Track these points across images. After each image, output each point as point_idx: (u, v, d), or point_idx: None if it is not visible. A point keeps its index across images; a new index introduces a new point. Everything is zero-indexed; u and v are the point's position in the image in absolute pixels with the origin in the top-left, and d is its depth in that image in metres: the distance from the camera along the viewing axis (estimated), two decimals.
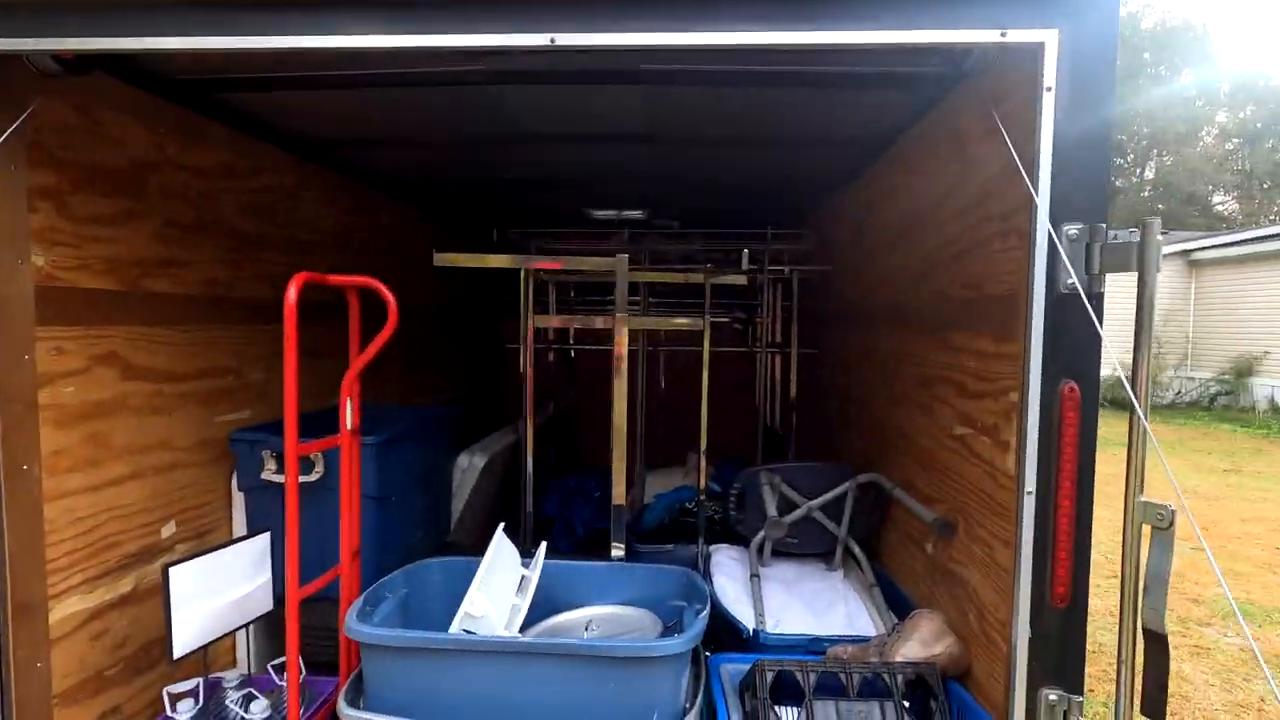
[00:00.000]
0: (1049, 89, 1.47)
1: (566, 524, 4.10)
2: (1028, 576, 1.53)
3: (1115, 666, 1.42)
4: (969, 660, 1.97)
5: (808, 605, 2.50)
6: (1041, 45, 1.46)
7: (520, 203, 4.30)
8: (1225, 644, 4.59)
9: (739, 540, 2.93)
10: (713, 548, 2.89)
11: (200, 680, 2.08)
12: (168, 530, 2.36)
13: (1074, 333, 1.49)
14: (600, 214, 4.40)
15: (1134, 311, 1.39)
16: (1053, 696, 1.53)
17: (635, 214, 4.37)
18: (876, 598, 2.52)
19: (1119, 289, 1.41)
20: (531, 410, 3.09)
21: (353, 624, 1.80)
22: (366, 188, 3.75)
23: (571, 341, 5.29)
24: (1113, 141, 1.50)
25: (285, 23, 1.55)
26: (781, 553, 2.79)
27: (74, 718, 1.98)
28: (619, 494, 2.63)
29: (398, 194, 4.08)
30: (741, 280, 3.30)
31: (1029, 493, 1.52)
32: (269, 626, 2.57)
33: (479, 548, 2.05)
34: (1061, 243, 1.47)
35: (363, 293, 2.18)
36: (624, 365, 2.53)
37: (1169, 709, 1.40)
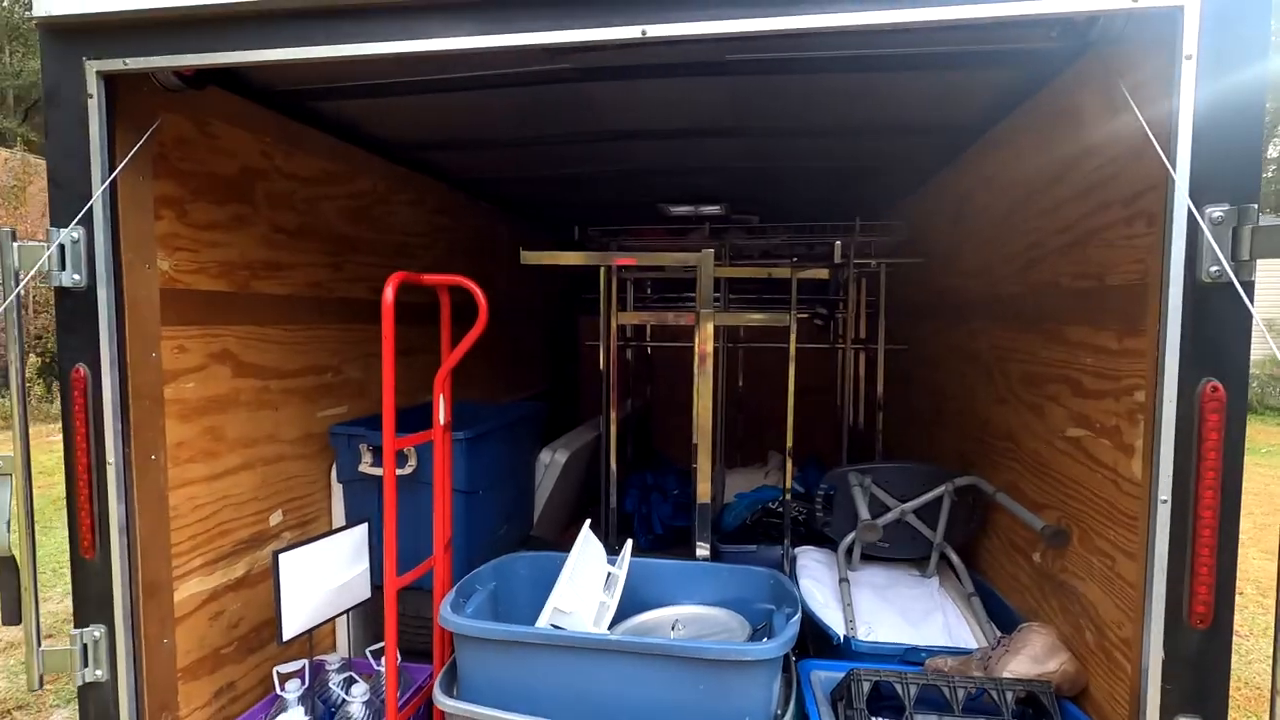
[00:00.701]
0: (1189, 57, 1.33)
1: (645, 521, 4.09)
2: (1161, 593, 1.40)
3: (1270, 695, 1.27)
4: (1085, 680, 1.83)
5: (901, 613, 2.39)
6: (1181, 9, 1.32)
7: (601, 200, 4.32)
8: None
9: (825, 542, 2.84)
10: (798, 550, 2.81)
11: (306, 662, 2.18)
12: (275, 519, 2.49)
13: (1217, 326, 1.35)
14: (678, 210, 4.36)
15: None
16: None
17: (713, 209, 4.31)
18: (976, 608, 2.38)
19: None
20: (615, 405, 3.10)
21: (447, 615, 1.84)
22: (452, 189, 3.86)
23: (649, 338, 5.29)
24: (1263, 112, 1.34)
25: (380, 29, 1.59)
26: (871, 557, 2.68)
27: (195, 691, 2.12)
28: (704, 491, 2.59)
29: (481, 194, 4.17)
30: (822, 275, 3.18)
31: (1163, 501, 1.39)
32: (366, 613, 2.69)
33: (561, 542, 2.06)
34: (1204, 225, 1.33)
35: (451, 291, 2.23)
36: (709, 363, 2.49)
37: None
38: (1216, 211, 1.33)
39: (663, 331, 5.19)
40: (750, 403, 4.86)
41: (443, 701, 1.80)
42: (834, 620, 2.29)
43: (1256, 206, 1.31)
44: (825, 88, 2.27)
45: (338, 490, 2.72)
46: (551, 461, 3.39)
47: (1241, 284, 1.32)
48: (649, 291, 5.27)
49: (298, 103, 2.44)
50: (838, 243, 3.24)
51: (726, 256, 4.15)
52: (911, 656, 2.06)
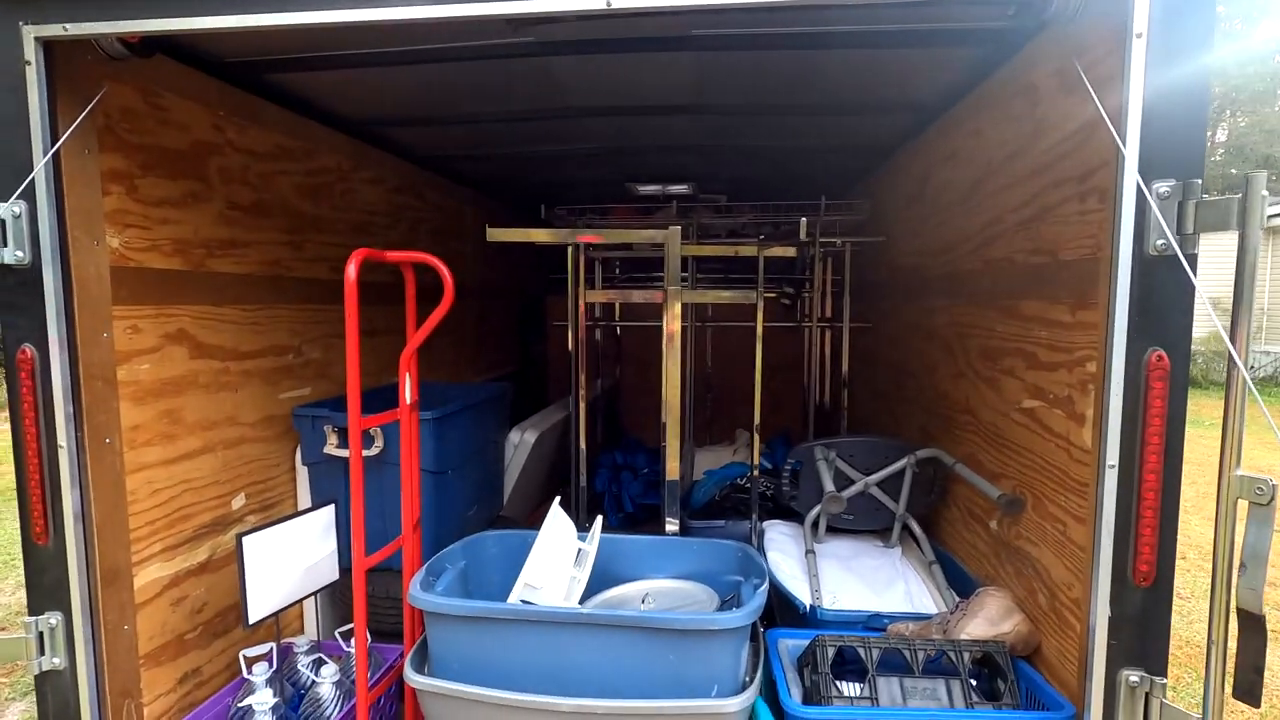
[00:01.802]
0: (1139, 35, 1.36)
1: (616, 500, 4.12)
2: (1108, 554, 1.46)
3: (1205, 647, 1.35)
4: (1038, 640, 1.91)
5: (865, 582, 2.46)
6: None
7: (566, 179, 4.28)
8: None
9: (792, 516, 2.89)
10: (766, 524, 2.87)
11: (273, 645, 2.16)
12: (238, 502, 2.45)
13: (1163, 297, 1.41)
14: (646, 189, 4.35)
15: (1233, 275, 1.30)
16: (1134, 677, 1.46)
17: (681, 188, 4.30)
18: (937, 575, 2.46)
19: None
20: (584, 385, 3.10)
21: (416, 593, 1.84)
22: (416, 167, 3.78)
23: (617, 318, 5.28)
24: (1210, 92, 1.39)
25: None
26: (837, 529, 2.75)
27: (159, 678, 2.09)
28: (673, 469, 2.61)
29: (446, 173, 4.10)
30: (789, 253, 3.21)
31: (1111, 466, 1.45)
32: (335, 596, 2.67)
33: (531, 522, 2.06)
34: (1152, 200, 1.38)
35: (417, 270, 2.20)
36: (676, 341, 2.50)
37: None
38: (1163, 187, 1.38)
39: (631, 312, 5.20)
40: (719, 381, 4.91)
41: (413, 679, 1.80)
42: (800, 590, 2.35)
43: (1200, 182, 1.36)
44: (788, 65, 2.28)
45: (303, 473, 2.68)
46: (521, 441, 3.38)
47: (1185, 256, 1.37)
48: (617, 271, 5.26)
49: (252, 75, 2.36)
50: (804, 220, 3.26)
51: (694, 235, 4.16)
52: (874, 623, 2.13)
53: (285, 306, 2.70)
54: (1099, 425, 1.48)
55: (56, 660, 1.75)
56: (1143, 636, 1.47)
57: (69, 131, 1.68)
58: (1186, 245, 1.37)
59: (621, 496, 4.13)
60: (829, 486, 2.51)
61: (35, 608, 1.75)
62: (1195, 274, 1.37)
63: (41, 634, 1.74)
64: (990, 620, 1.91)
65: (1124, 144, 1.38)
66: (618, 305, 5.22)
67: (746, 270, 4.97)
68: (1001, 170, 2.21)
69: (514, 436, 3.40)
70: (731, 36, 2.00)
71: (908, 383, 3.27)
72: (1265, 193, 1.26)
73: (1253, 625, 1.29)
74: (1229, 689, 1.34)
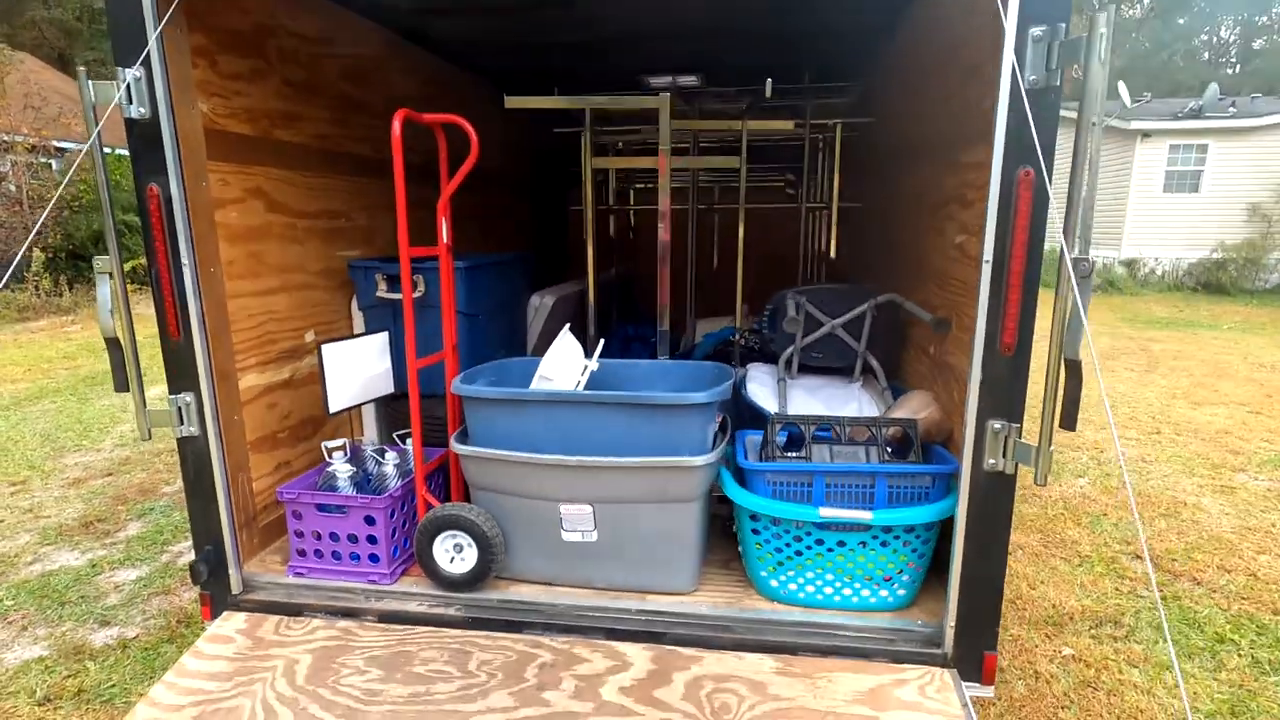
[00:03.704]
0: None
1: None
2: (982, 332, 1.90)
3: (1044, 391, 1.80)
4: (950, 427, 2.38)
5: (825, 403, 2.94)
6: None
7: (581, 69, 4.56)
8: (1254, 485, 4.82)
9: (774, 362, 3.36)
10: (749, 365, 3.34)
11: (346, 441, 2.74)
12: (309, 336, 2.99)
13: (1036, 123, 1.76)
14: (657, 80, 4.62)
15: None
16: (997, 425, 1.92)
17: (690, 79, 4.57)
18: (887, 399, 2.93)
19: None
20: (594, 244, 3.53)
21: (459, 386, 2.37)
22: (444, 61, 4.12)
23: (631, 203, 5.65)
24: None
25: None
26: (808, 367, 3.21)
27: (261, 462, 2.69)
28: (664, 303, 3.07)
29: (470, 66, 4.42)
30: (784, 126, 3.53)
31: (986, 262, 1.86)
32: (385, 412, 3.24)
33: None
34: (1028, 42, 1.72)
35: (448, 135, 2.62)
36: (666, 201, 2.90)
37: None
38: (1038, 30, 1.72)
39: (644, 200, 5.55)
40: (724, 264, 5.30)
41: (459, 448, 2.36)
42: (769, 405, 2.84)
43: (1066, 25, 1.70)
44: None
45: (357, 316, 3.21)
46: (540, 304, 3.87)
47: (1051, 90, 1.73)
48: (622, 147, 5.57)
49: None
50: (769, 80, 3.52)
51: (698, 115, 4.45)
52: (825, 424, 2.61)
53: (336, 177, 3.15)
54: (982, 228, 1.88)
55: (192, 429, 2.32)
56: (1006, 395, 1.92)
57: (171, 9, 2.09)
58: (1052, 79, 1.73)
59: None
60: (791, 313, 2.95)
61: (174, 389, 2.31)
62: (1059, 104, 1.73)
63: (180, 409, 2.31)
64: (910, 409, 2.38)
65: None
66: (631, 196, 5.58)
67: (753, 157, 5.26)
68: (945, 49, 2.51)
69: (535, 300, 3.88)
70: None
71: (883, 246, 3.64)
72: (1104, 30, 1.60)
73: (1073, 370, 1.73)
74: (1058, 422, 1.80)
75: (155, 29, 2.06)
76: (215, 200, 2.43)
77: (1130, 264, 16.82)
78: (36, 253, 12.08)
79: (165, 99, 2.12)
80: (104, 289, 2.15)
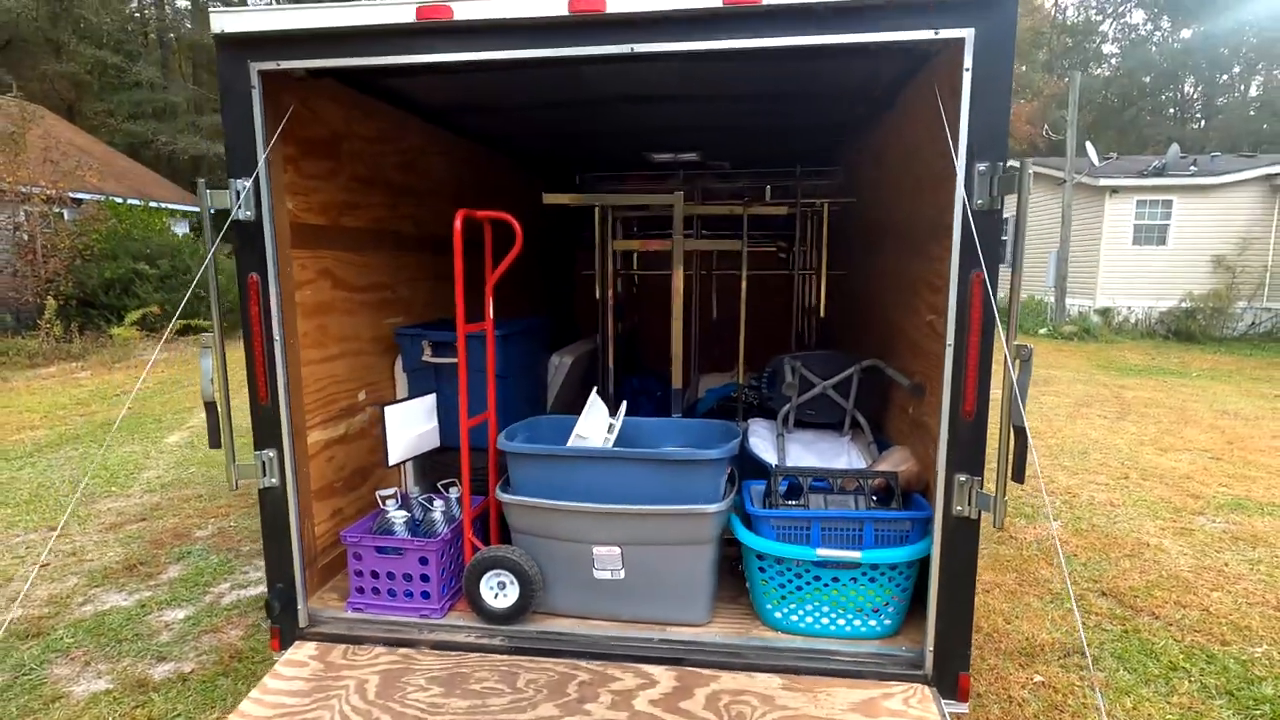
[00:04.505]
0: (967, 69, 2.15)
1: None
2: (947, 399, 2.32)
3: (999, 450, 2.20)
4: (927, 478, 2.78)
5: (819, 456, 3.34)
6: (963, 39, 2.14)
7: (595, 151, 5.08)
8: (1210, 528, 5.23)
9: (773, 417, 3.76)
10: (751, 420, 3.74)
11: (396, 489, 3.10)
12: (361, 395, 3.37)
13: (982, 237, 2.21)
14: (659, 158, 5.15)
15: (1013, 223, 2.11)
16: (962, 478, 2.33)
17: (690, 156, 5.09)
18: (873, 452, 3.33)
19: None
20: (610, 313, 3.96)
21: (504, 443, 2.75)
22: (473, 143, 4.61)
23: (635, 268, 6.13)
24: (1009, 107, 2.18)
25: (436, 45, 2.35)
26: (803, 423, 3.62)
27: (321, 509, 3.04)
28: (676, 377, 3.49)
29: (498, 148, 4.92)
30: (778, 211, 4.03)
31: (949, 345, 2.29)
32: (426, 467, 3.60)
33: None
34: (975, 175, 2.19)
35: (480, 223, 3.05)
36: (680, 277, 3.34)
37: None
38: (982, 166, 2.19)
39: (648, 263, 6.03)
40: (724, 323, 5.76)
41: (502, 497, 2.73)
42: (770, 457, 3.23)
43: (1004, 163, 2.17)
44: (772, 68, 3.05)
45: (401, 378, 3.60)
46: (559, 363, 4.27)
47: (994, 212, 2.19)
48: (635, 230, 6.09)
49: (369, 80, 3.19)
50: (768, 187, 4.05)
51: (699, 198, 4.96)
52: (819, 476, 3.01)
53: (384, 254, 3.59)
54: (944, 318, 2.31)
55: (273, 480, 2.68)
56: (969, 452, 2.32)
57: (276, 134, 2.54)
58: (995, 204, 2.19)
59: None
60: (789, 378, 3.37)
61: (258, 446, 2.68)
62: (1000, 224, 2.19)
63: (264, 462, 2.67)
64: (892, 463, 2.78)
65: (959, 139, 2.19)
66: (636, 258, 6.06)
67: (751, 227, 5.78)
68: (915, 153, 3.00)
69: (555, 359, 4.29)
70: (709, 52, 2.79)
71: (868, 314, 4.09)
72: (1030, 171, 2.06)
73: (1020, 435, 2.15)
74: (1010, 475, 2.20)
75: (264, 151, 2.50)
76: (295, 282, 2.84)
77: (1105, 312, 17.53)
78: (49, 300, 12.41)
79: (267, 203, 2.55)
80: (206, 361, 2.53)
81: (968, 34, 2.14)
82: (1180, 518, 5.35)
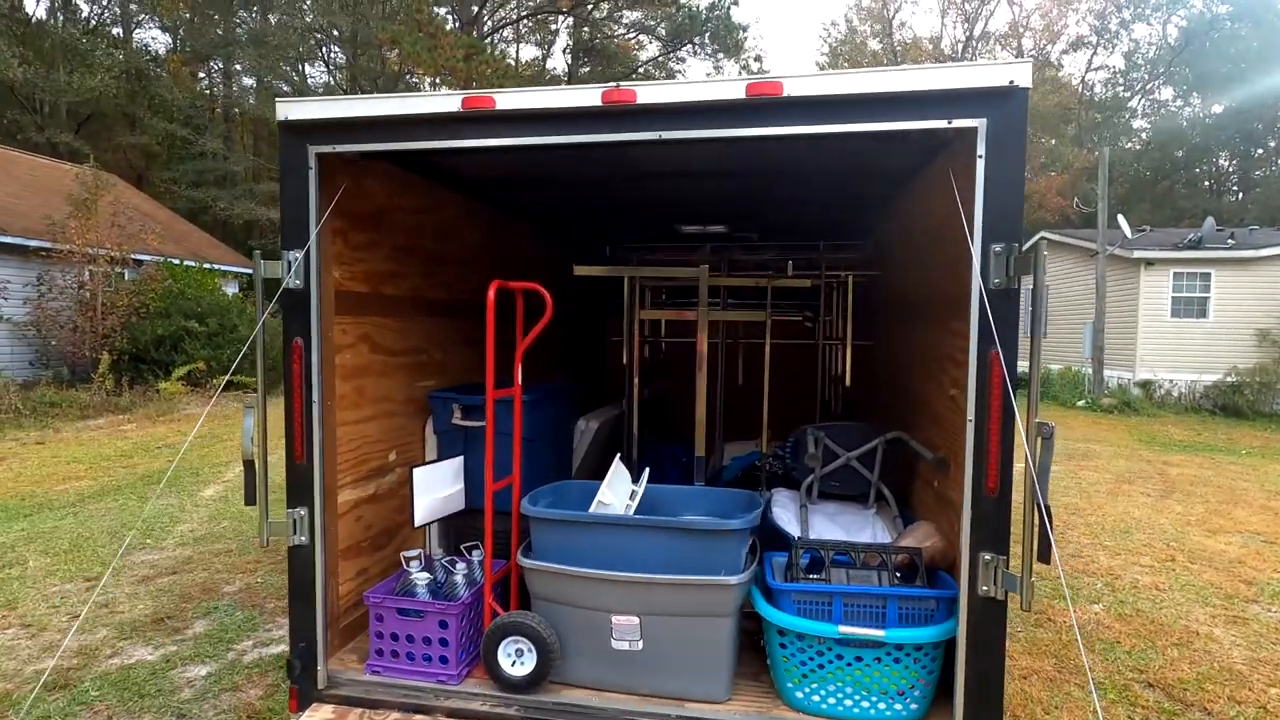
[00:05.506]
0: (981, 156, 2.25)
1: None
2: (970, 477, 2.31)
3: (1023, 529, 2.17)
4: (954, 555, 2.73)
5: (843, 529, 3.30)
6: (975, 128, 2.24)
7: (626, 221, 5.28)
8: (1265, 617, 4.95)
9: (796, 487, 3.74)
10: (774, 490, 3.73)
11: (420, 550, 3.14)
12: (391, 456, 3.46)
13: (998, 316, 2.25)
14: (688, 229, 5.32)
15: (1029, 302, 2.15)
16: (987, 556, 2.29)
17: (718, 229, 5.26)
18: (899, 525, 3.28)
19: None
20: (636, 380, 4.04)
21: (527, 508, 2.79)
22: (504, 215, 4.84)
23: (663, 334, 6.24)
24: (1023, 190, 2.26)
25: (480, 131, 2.54)
26: (827, 494, 3.59)
27: (347, 568, 3.09)
28: (700, 445, 3.52)
29: (525, 218, 5.15)
30: (802, 284, 4.11)
31: (970, 420, 2.30)
32: (449, 529, 3.64)
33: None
34: (991, 255, 2.25)
35: (505, 292, 3.19)
36: (704, 346, 3.42)
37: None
38: (998, 247, 2.25)
39: (674, 331, 6.15)
40: (749, 391, 5.79)
41: (524, 562, 2.75)
42: (792, 529, 3.20)
43: (1018, 244, 2.22)
44: (784, 148, 3.19)
45: (431, 440, 3.69)
46: (586, 428, 4.33)
47: (1010, 290, 2.23)
48: (664, 297, 6.24)
49: (411, 158, 3.41)
50: (790, 261, 4.15)
51: (726, 269, 5.09)
52: (841, 549, 2.97)
53: (419, 319, 3.74)
54: (965, 395, 2.33)
55: (303, 538, 2.75)
56: (993, 529, 2.29)
57: (328, 210, 2.72)
58: (1012, 282, 2.24)
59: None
60: (811, 448, 3.37)
61: (291, 503, 2.76)
62: (1018, 302, 2.23)
63: (295, 521, 2.74)
64: (916, 539, 2.74)
65: (974, 221, 2.26)
66: (663, 324, 6.18)
67: (775, 297, 5.89)
68: (942, 228, 3.08)
69: (581, 424, 4.35)
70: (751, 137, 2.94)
71: (893, 385, 4.10)
72: (1045, 252, 2.11)
73: (1045, 514, 2.12)
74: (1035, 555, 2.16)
75: (316, 225, 2.68)
76: (336, 346, 2.98)
77: (1145, 385, 17.08)
78: (104, 355, 12.99)
79: (316, 273, 2.71)
80: (249, 420, 2.64)
81: (980, 124, 2.25)
82: (1232, 605, 5.08)
